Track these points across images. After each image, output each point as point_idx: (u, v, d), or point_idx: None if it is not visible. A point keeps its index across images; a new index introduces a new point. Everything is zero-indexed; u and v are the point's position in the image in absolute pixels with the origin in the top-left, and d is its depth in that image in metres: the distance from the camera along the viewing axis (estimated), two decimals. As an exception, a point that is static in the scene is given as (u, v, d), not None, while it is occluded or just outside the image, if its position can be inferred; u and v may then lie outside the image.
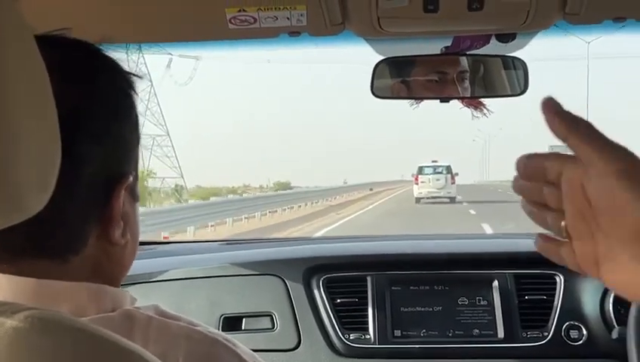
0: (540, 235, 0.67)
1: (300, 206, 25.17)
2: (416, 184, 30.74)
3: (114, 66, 0.81)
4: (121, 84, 0.80)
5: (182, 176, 44.19)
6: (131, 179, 0.78)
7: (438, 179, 30.37)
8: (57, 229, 0.69)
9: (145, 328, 0.73)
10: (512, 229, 12.20)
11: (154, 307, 0.77)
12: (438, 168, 31.28)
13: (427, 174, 30.92)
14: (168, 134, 45.66)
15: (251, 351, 0.78)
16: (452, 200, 28.25)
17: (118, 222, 0.75)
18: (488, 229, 13.85)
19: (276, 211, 22.01)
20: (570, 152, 0.64)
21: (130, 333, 0.69)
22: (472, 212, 21.41)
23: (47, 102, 0.56)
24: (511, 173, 0.66)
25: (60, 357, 0.56)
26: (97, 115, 0.73)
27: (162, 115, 44.63)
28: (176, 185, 35.84)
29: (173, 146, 44.40)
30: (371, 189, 41.87)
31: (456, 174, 31.63)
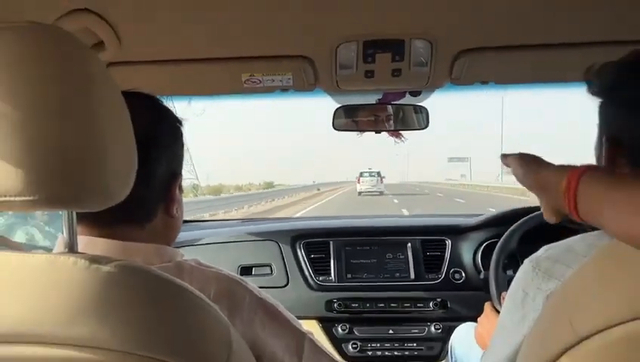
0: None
1: (284, 197, 30.32)
2: (358, 183, 37.45)
3: (167, 109, 0.88)
4: (173, 119, 0.88)
5: (197, 178, 45.68)
6: (181, 177, 0.87)
7: (372, 180, 37.32)
8: (139, 207, 0.76)
9: (189, 273, 0.77)
10: (420, 211, 15.06)
11: (195, 260, 0.82)
12: (372, 173, 38.30)
13: (365, 177, 38.00)
14: (188, 150, 43.29)
15: (257, 286, 0.84)
16: (381, 193, 34.54)
17: (175, 202, 0.84)
18: (406, 212, 15.51)
19: (260, 204, 23.94)
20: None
21: (180, 276, 0.69)
22: (396, 201, 25.40)
23: (127, 131, 0.61)
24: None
25: (138, 289, 0.57)
26: (164, 136, 0.81)
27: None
28: (194, 185, 33.97)
29: (190, 157, 42.55)
30: (318, 189, 44.17)
31: (384, 177, 39.10)
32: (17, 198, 0.51)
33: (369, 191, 35.07)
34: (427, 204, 22.19)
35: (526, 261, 0.84)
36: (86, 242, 0.74)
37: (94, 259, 0.55)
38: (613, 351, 0.57)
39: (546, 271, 0.79)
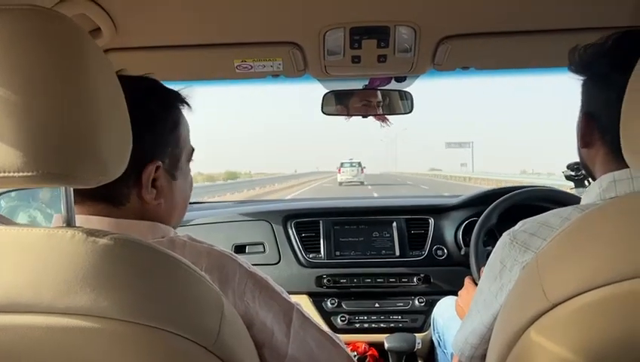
0: None
1: (274, 184, 30.14)
2: (339, 173, 36.59)
3: (151, 85, 0.84)
4: (153, 97, 0.82)
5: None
6: (161, 163, 0.80)
7: (352, 170, 36.39)
8: (113, 189, 0.71)
9: (181, 248, 0.77)
10: None
11: (187, 235, 0.81)
12: (353, 163, 37.32)
13: (346, 167, 36.87)
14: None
15: (246, 261, 0.82)
16: (361, 183, 33.50)
17: (147, 188, 0.79)
18: None
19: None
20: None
21: (172, 251, 0.68)
22: (369, 188, 26.61)
23: (122, 109, 0.60)
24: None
25: (134, 261, 0.57)
26: (139, 121, 0.69)
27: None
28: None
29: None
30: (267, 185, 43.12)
31: (364, 167, 38.37)
32: (17, 174, 0.51)
33: (349, 182, 34.14)
34: (400, 193, 22.08)
35: (504, 234, 0.85)
36: (81, 220, 0.73)
37: (91, 233, 0.55)
38: (583, 316, 0.57)
39: (523, 244, 0.80)
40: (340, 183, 33.83)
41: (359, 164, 36.71)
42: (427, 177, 47.54)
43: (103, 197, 0.77)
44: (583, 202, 0.86)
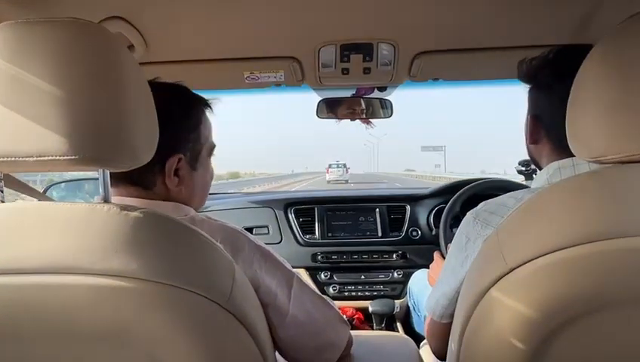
0: None
1: (272, 183, 29.31)
2: (328, 173, 36.99)
3: (181, 96, 0.83)
4: (184, 104, 0.82)
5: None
6: (183, 156, 0.79)
7: (339, 170, 36.81)
8: (139, 173, 0.68)
9: (200, 223, 0.76)
10: None
11: (205, 215, 0.81)
12: (340, 164, 37.99)
13: (333, 168, 37.49)
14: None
15: (255, 238, 0.81)
16: (346, 182, 33.34)
17: (170, 177, 0.78)
18: None
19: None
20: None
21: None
22: (352, 185, 25.59)
23: (150, 106, 0.60)
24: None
25: (159, 231, 0.57)
26: (164, 116, 0.66)
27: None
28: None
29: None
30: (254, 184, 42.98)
31: (349, 168, 39.30)
32: (61, 158, 0.51)
33: (336, 180, 33.77)
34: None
35: (468, 213, 0.86)
36: (117, 200, 0.73)
37: (124, 207, 0.56)
38: (537, 277, 0.58)
39: (484, 221, 0.80)
40: (329, 181, 33.48)
41: (344, 165, 36.97)
42: (402, 176, 47.52)
43: (135, 182, 0.77)
44: (533, 186, 0.87)
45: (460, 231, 0.86)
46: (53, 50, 0.52)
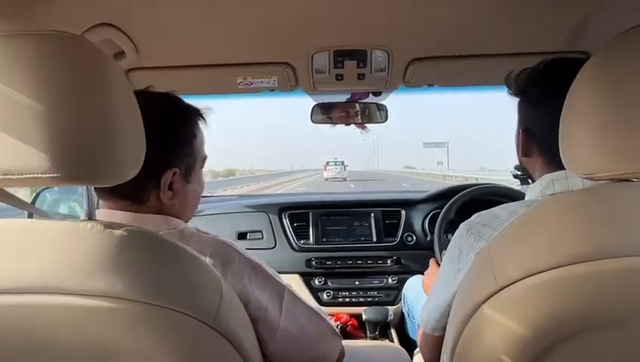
0: None
1: (267, 180, 28.35)
2: (325, 171, 36.22)
3: (171, 107, 0.81)
4: (175, 117, 0.80)
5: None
6: (178, 170, 0.79)
7: (337, 168, 36.01)
8: (132, 188, 0.70)
9: (189, 237, 0.76)
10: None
11: (194, 227, 0.80)
12: (337, 162, 37.16)
13: (331, 165, 36.64)
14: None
15: (246, 249, 0.80)
16: (344, 179, 32.96)
17: (165, 191, 0.78)
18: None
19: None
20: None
21: (182, 240, 0.69)
22: (352, 186, 24.91)
23: (137, 120, 0.58)
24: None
25: (145, 249, 0.56)
26: (157, 130, 0.68)
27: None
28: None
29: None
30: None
31: (347, 165, 38.39)
32: (43, 175, 0.50)
33: (334, 178, 33.18)
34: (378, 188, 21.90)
35: (461, 225, 0.85)
36: (105, 214, 0.73)
37: (108, 225, 0.55)
38: (527, 296, 0.57)
39: (477, 233, 0.79)
40: (326, 179, 32.77)
41: (342, 162, 36.32)
42: (404, 174, 46.98)
43: (129, 196, 0.76)
44: (526, 198, 0.86)
45: (453, 243, 0.85)
46: (34, 64, 0.51)
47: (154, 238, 0.57)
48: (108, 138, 0.53)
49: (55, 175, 0.50)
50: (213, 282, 0.61)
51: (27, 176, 0.50)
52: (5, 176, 0.51)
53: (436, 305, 0.87)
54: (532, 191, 0.84)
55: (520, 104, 0.88)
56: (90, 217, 0.60)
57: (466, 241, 0.80)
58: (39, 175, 0.50)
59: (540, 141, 0.83)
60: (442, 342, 0.80)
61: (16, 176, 0.50)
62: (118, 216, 0.74)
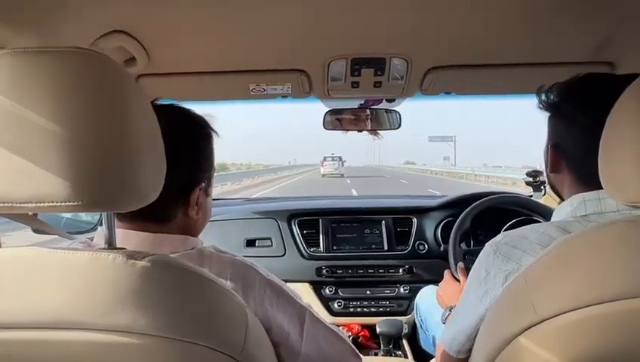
0: None
1: (256, 177, 27.37)
2: (322, 167, 34.81)
3: (192, 120, 0.81)
4: (197, 129, 0.81)
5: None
6: (203, 185, 0.79)
7: (334, 164, 34.46)
8: (159, 209, 0.67)
9: (209, 259, 0.74)
10: (372, 192, 13.53)
11: (213, 246, 0.78)
12: (335, 157, 35.20)
13: (328, 161, 34.94)
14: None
15: (266, 269, 0.79)
16: (342, 176, 31.56)
17: (193, 207, 0.78)
18: (354, 192, 14.91)
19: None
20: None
21: (201, 262, 0.71)
22: (348, 181, 24.53)
23: (158, 142, 0.57)
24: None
25: (168, 281, 0.55)
26: (184, 146, 0.73)
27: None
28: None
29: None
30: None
31: (345, 161, 37.71)
32: (64, 203, 0.48)
33: (331, 174, 32.16)
34: (376, 186, 21.41)
35: (487, 245, 0.82)
36: (121, 235, 0.70)
37: (131, 255, 0.52)
38: (569, 331, 0.55)
39: (505, 255, 0.77)
40: (323, 175, 31.92)
41: (340, 158, 34.99)
42: (403, 171, 46.14)
43: (153, 216, 0.73)
44: (554, 218, 0.84)
45: (478, 264, 0.83)
46: (53, 84, 0.48)
47: (178, 269, 0.55)
48: (130, 163, 0.51)
49: (74, 203, 0.48)
50: (238, 311, 0.60)
51: (45, 204, 0.48)
52: (21, 205, 0.48)
53: (462, 328, 0.84)
54: (560, 212, 0.82)
55: (550, 119, 0.86)
56: (111, 245, 0.58)
57: (494, 262, 0.78)
58: (59, 203, 0.48)
59: (569, 158, 0.81)
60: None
61: (33, 204, 0.48)
62: (135, 238, 0.72)
